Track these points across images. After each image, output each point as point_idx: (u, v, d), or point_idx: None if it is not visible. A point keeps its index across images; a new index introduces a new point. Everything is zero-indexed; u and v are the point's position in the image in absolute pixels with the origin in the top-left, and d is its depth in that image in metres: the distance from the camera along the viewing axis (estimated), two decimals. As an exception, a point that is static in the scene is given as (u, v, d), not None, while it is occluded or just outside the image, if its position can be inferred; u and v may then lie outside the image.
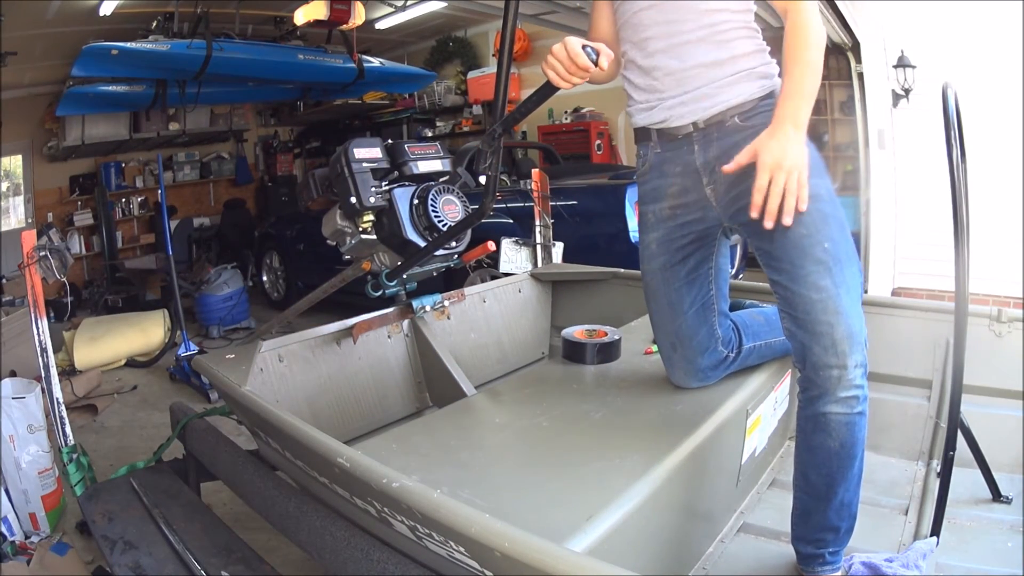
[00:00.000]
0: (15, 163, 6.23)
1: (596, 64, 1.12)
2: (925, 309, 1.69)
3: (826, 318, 1.11)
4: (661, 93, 1.27)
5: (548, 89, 1.20)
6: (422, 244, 1.70)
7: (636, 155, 1.41)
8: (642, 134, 1.35)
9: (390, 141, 1.81)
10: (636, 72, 1.30)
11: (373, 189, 1.70)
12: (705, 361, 1.40)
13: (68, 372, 3.67)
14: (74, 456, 1.68)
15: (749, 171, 1.18)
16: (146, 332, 4.10)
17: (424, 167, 1.79)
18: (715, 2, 1.21)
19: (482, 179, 1.40)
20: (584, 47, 1.11)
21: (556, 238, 2.66)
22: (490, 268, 3.16)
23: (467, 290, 2.25)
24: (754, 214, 1.10)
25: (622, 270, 2.37)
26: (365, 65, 5.00)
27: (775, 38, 1.23)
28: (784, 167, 1.08)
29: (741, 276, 3.64)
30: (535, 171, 2.65)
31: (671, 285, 1.37)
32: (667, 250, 1.36)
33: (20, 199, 6.32)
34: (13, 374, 2.71)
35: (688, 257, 1.35)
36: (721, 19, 1.22)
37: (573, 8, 4.20)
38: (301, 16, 4.22)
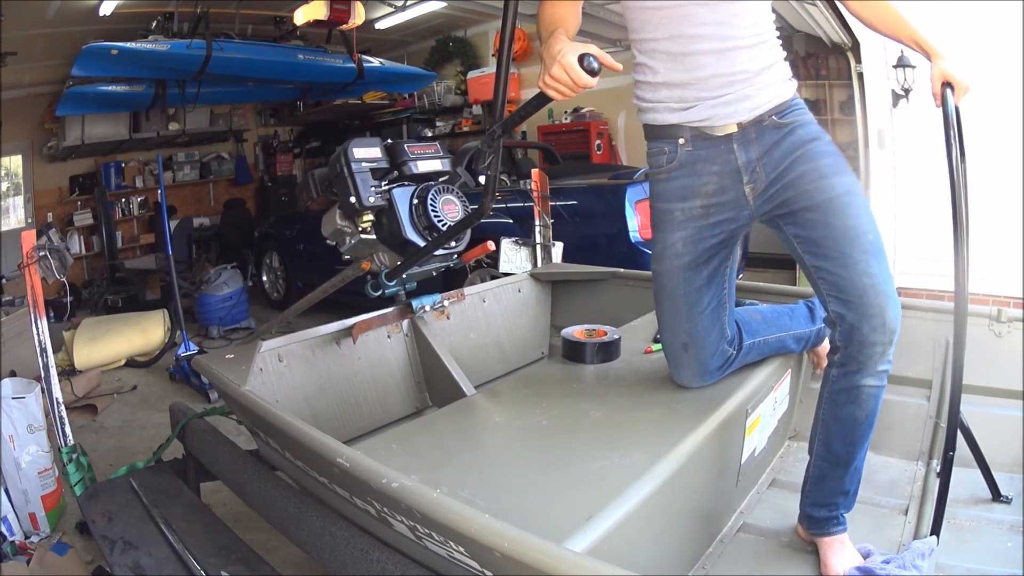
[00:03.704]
0: (15, 163, 6.23)
1: (597, 74, 1.08)
2: (925, 309, 1.69)
3: (878, 301, 1.19)
4: (700, 92, 1.24)
5: (546, 97, 1.19)
6: (422, 244, 1.70)
7: (656, 151, 1.34)
8: (669, 131, 1.31)
9: (390, 141, 1.81)
10: (669, 67, 1.25)
11: (373, 189, 1.70)
12: (714, 362, 1.41)
13: (68, 372, 3.67)
14: (74, 456, 1.69)
15: (792, 167, 1.24)
16: (146, 332, 4.10)
17: (424, 167, 1.79)
18: (762, 9, 1.23)
19: (482, 179, 1.40)
20: (583, 59, 1.07)
21: (556, 238, 2.66)
22: (490, 268, 3.16)
23: (467, 290, 2.25)
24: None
25: (622, 270, 2.37)
26: (365, 65, 5.00)
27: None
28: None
29: (740, 276, 3.64)
30: (535, 171, 2.65)
31: (691, 284, 1.36)
32: (694, 250, 1.34)
33: (20, 199, 6.32)
34: (13, 374, 2.71)
35: (713, 257, 1.35)
36: (765, 27, 1.25)
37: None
38: (301, 16, 4.21)
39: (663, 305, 1.41)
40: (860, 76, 4.09)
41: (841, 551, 1.28)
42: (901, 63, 3.87)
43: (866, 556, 1.27)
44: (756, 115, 1.25)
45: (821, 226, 1.22)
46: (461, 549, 0.91)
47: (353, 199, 1.69)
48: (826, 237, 1.22)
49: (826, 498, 1.31)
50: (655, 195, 1.38)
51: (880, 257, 1.21)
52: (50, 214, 6.43)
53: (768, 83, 1.25)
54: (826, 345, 1.66)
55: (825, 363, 1.67)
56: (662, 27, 1.24)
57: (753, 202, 1.29)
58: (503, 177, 4.31)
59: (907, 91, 3.92)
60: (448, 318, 2.15)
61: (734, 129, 1.26)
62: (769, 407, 1.55)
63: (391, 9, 5.38)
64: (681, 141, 1.30)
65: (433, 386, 2.03)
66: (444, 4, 5.10)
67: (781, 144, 1.25)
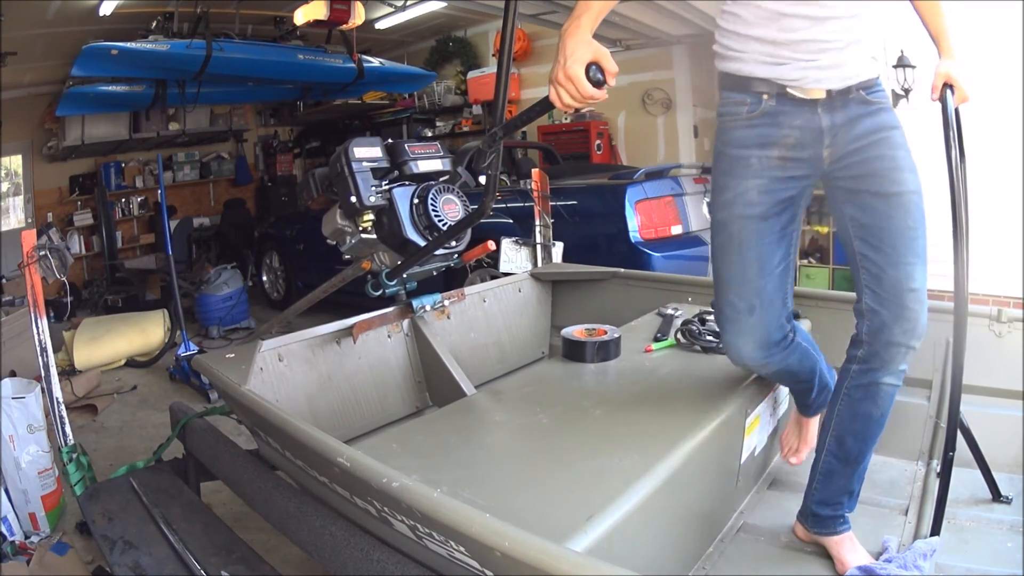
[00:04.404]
0: (15, 163, 6.23)
1: (603, 86, 1.05)
2: (925, 309, 1.69)
3: (915, 306, 1.20)
4: (791, 53, 1.19)
5: (548, 104, 1.18)
6: (422, 243, 1.70)
7: (736, 102, 1.26)
8: (754, 84, 1.23)
9: (390, 140, 1.81)
10: (762, 21, 1.19)
11: (373, 188, 1.70)
12: (776, 334, 1.32)
13: (68, 372, 3.67)
14: (74, 456, 1.68)
15: (872, 147, 1.21)
16: (146, 332, 4.10)
17: (424, 166, 1.80)
18: None
19: (482, 179, 1.40)
20: (589, 69, 1.04)
21: (556, 238, 2.66)
22: (490, 268, 3.16)
23: (467, 290, 2.25)
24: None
25: (622, 270, 2.37)
26: (365, 65, 5.00)
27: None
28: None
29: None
30: (535, 171, 2.65)
31: (764, 238, 1.27)
32: (769, 200, 1.25)
33: (20, 199, 6.32)
34: (13, 374, 2.71)
35: (784, 211, 1.28)
36: (861, 3, 1.19)
37: (573, 8, 4.20)
38: (301, 16, 4.22)
39: (730, 259, 1.29)
40: (860, 76, 4.09)
41: (853, 549, 1.29)
42: (901, 63, 3.87)
43: (884, 550, 1.28)
44: (846, 85, 1.20)
45: (883, 217, 1.20)
46: (462, 549, 0.91)
47: (354, 198, 1.69)
48: (883, 229, 1.21)
49: (833, 496, 1.32)
50: (727, 142, 1.28)
51: (925, 264, 1.21)
52: (50, 214, 6.43)
53: (859, 56, 1.20)
54: (812, 428, 1.57)
55: (802, 456, 1.57)
56: None
57: (828, 166, 1.24)
58: (503, 177, 4.31)
59: (907, 91, 3.91)
60: (448, 318, 2.15)
61: (822, 95, 1.20)
62: (768, 407, 1.55)
63: (391, 9, 5.38)
64: (765, 96, 1.22)
65: (433, 386, 2.03)
66: (444, 4, 5.10)
67: (866, 120, 1.21)
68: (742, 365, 1.36)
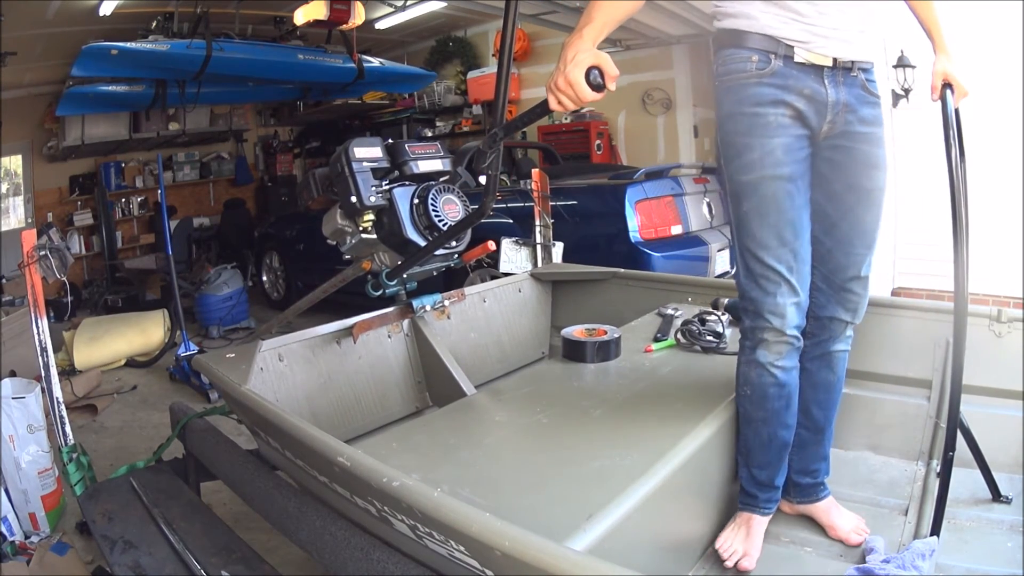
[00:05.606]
0: (15, 163, 6.23)
1: (602, 90, 1.05)
2: (925, 309, 1.69)
3: (859, 290, 1.31)
4: (798, 15, 1.18)
5: (547, 107, 1.16)
6: (422, 243, 1.70)
7: (743, 58, 1.21)
8: (761, 41, 1.20)
9: (390, 140, 1.81)
10: None
11: (373, 188, 1.70)
12: (806, 302, 1.28)
13: (68, 372, 3.67)
14: (74, 456, 1.68)
15: (862, 138, 1.25)
16: (146, 332, 4.10)
17: (424, 167, 1.80)
18: None
19: (482, 179, 1.40)
20: (589, 73, 1.04)
21: (556, 238, 2.66)
22: (490, 268, 3.16)
23: (467, 290, 2.25)
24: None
25: (622, 270, 2.37)
26: (365, 65, 5.00)
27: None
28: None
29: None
30: (535, 171, 2.65)
31: (794, 200, 1.23)
32: (793, 159, 1.22)
33: (20, 199, 6.32)
34: (13, 374, 2.71)
35: (806, 172, 1.25)
36: None
37: (573, 8, 4.20)
38: (301, 16, 4.22)
39: (766, 222, 1.23)
40: (860, 76, 4.08)
41: (839, 513, 1.37)
42: (901, 63, 3.87)
43: (868, 552, 1.28)
44: (850, 58, 1.20)
45: (846, 209, 1.27)
46: (462, 548, 0.91)
47: (354, 198, 1.69)
48: (843, 220, 1.27)
49: (809, 464, 1.39)
50: (740, 100, 1.22)
51: (872, 254, 1.29)
52: (50, 214, 6.43)
53: (859, 33, 1.21)
54: (759, 530, 1.37)
55: (755, 561, 1.33)
56: None
57: (821, 140, 1.25)
58: (503, 177, 4.31)
59: (907, 91, 3.92)
60: (448, 318, 2.15)
61: (829, 62, 1.19)
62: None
63: (391, 9, 5.38)
64: (772, 56, 1.19)
65: (433, 386, 2.03)
66: (444, 4, 5.10)
67: (867, 108, 1.24)
68: (792, 333, 1.26)
